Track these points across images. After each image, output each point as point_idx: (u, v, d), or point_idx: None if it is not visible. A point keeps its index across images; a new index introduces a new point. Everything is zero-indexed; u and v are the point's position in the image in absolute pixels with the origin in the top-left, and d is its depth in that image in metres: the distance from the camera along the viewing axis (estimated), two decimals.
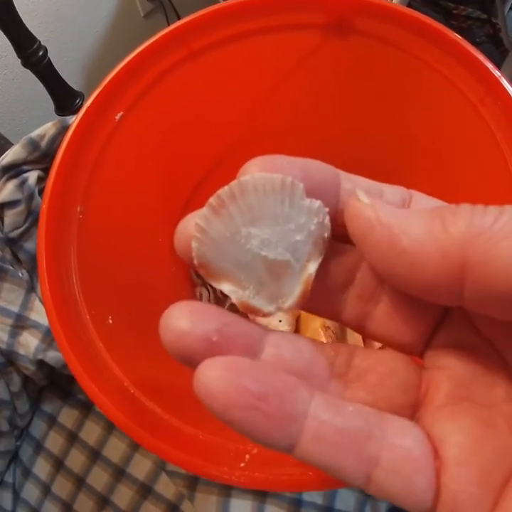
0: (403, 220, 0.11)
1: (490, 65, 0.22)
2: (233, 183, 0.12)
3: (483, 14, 0.86)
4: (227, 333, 0.11)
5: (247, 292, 0.13)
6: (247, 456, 0.17)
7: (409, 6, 0.66)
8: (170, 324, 0.11)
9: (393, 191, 0.14)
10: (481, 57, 0.22)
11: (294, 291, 0.13)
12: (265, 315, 0.13)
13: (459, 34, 0.23)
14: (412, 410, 0.12)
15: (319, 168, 0.13)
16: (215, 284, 0.13)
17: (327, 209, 0.13)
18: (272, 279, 0.13)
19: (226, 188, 0.12)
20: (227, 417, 0.10)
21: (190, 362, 0.12)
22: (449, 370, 0.12)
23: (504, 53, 0.78)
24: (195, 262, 0.12)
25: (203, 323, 0.11)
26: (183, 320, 0.11)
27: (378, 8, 0.24)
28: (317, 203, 0.12)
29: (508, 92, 0.21)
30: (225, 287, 0.13)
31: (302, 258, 0.12)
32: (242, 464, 0.17)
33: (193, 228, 0.12)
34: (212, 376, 0.10)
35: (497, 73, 0.21)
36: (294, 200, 0.12)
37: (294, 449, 0.11)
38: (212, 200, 0.12)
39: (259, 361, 0.12)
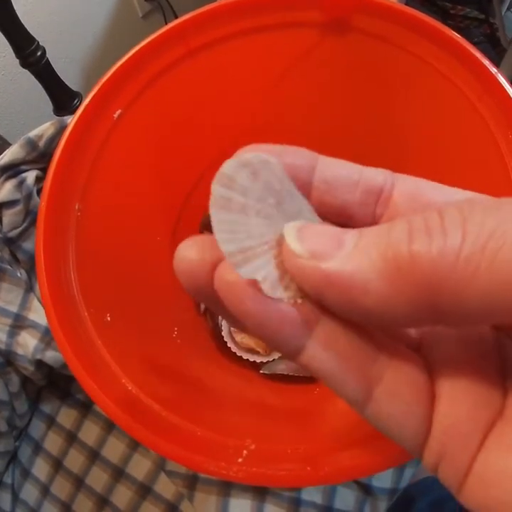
0: (354, 265, 0.10)
1: (487, 63, 0.22)
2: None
3: (481, 14, 0.86)
4: None
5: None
6: (245, 452, 0.18)
7: (406, 6, 0.66)
8: (183, 255, 0.12)
9: (376, 173, 0.13)
10: (479, 55, 0.22)
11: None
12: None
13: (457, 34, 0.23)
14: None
15: (295, 152, 0.13)
16: None
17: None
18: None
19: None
20: (242, 308, 0.11)
21: (201, 293, 0.12)
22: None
23: (501, 53, 0.78)
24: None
25: (215, 253, 0.11)
26: (194, 250, 0.12)
27: (376, 6, 0.24)
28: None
29: (505, 89, 0.21)
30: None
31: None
32: (239, 460, 0.17)
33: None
34: (230, 275, 0.11)
35: (494, 70, 0.21)
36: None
37: (302, 351, 0.11)
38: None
39: None
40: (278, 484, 0.16)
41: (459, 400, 0.10)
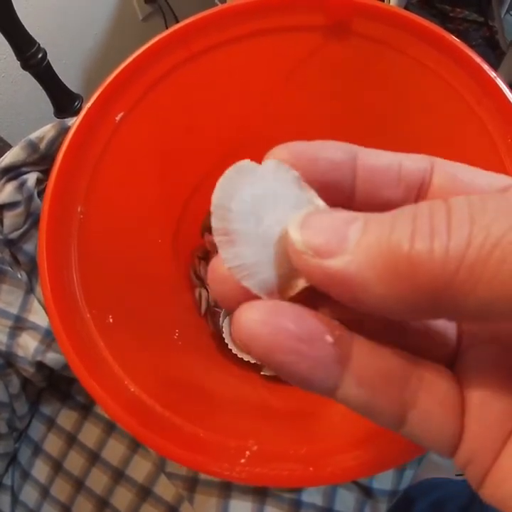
0: (354, 265, 0.10)
1: (486, 67, 0.22)
2: (216, 214, 0.12)
3: (480, 17, 0.86)
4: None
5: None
6: (248, 453, 0.18)
7: (406, 9, 0.67)
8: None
9: (415, 162, 0.13)
10: (478, 59, 0.22)
11: None
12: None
13: (456, 37, 0.23)
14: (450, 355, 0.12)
15: (333, 146, 0.12)
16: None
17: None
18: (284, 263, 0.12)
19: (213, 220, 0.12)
20: (270, 359, 0.10)
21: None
22: None
23: (501, 56, 0.78)
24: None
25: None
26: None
27: (376, 11, 0.24)
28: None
29: (504, 93, 0.21)
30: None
31: None
32: (242, 460, 0.17)
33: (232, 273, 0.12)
34: (254, 319, 0.10)
35: (493, 74, 0.22)
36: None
37: (336, 392, 0.11)
38: (217, 238, 0.12)
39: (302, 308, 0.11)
40: (281, 484, 0.16)
41: (487, 410, 0.10)
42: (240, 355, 0.34)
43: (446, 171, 0.13)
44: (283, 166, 0.12)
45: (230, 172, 0.12)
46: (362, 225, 0.10)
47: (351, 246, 0.10)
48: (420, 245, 0.09)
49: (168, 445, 0.18)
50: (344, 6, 0.24)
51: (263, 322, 0.10)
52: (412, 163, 0.13)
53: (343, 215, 0.11)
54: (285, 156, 0.12)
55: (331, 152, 0.12)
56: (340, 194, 0.13)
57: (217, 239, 0.12)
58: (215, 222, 0.12)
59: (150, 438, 0.18)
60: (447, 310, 0.09)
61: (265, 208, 0.12)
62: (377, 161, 0.13)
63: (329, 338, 0.10)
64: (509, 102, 0.21)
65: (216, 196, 0.12)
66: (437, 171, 0.13)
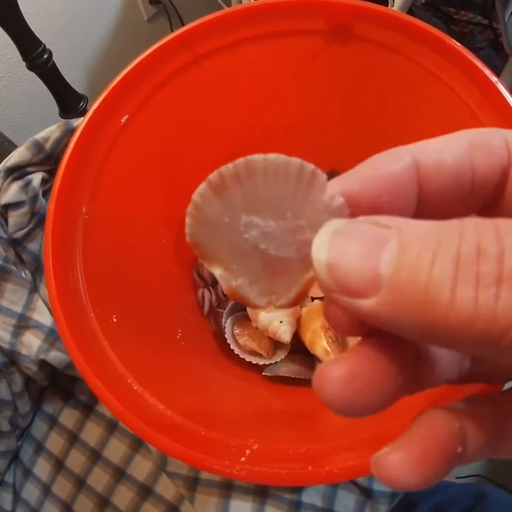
0: (388, 308, 0.09)
1: (487, 71, 0.22)
2: (239, 162, 0.10)
3: (484, 19, 0.86)
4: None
5: (240, 281, 0.11)
6: (248, 451, 0.18)
7: (410, 11, 0.67)
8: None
9: (489, 153, 0.11)
10: (479, 64, 0.22)
11: (290, 291, 0.11)
12: (254, 306, 0.12)
13: (460, 39, 0.23)
14: None
15: (387, 158, 0.11)
16: (207, 266, 0.12)
17: (349, 210, 0.11)
18: (269, 274, 0.11)
19: (230, 165, 0.10)
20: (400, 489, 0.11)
21: None
22: None
23: (505, 58, 0.78)
24: (188, 239, 0.11)
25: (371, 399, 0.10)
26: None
27: (378, 15, 0.24)
28: (338, 201, 0.10)
29: (505, 98, 0.21)
30: (216, 271, 0.12)
31: (309, 258, 0.10)
32: (242, 459, 0.18)
33: (190, 204, 0.11)
34: (404, 472, 0.11)
35: (494, 79, 0.22)
36: (309, 194, 0.10)
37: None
38: (212, 177, 0.11)
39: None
40: (280, 483, 0.17)
41: None
42: (241, 356, 0.34)
43: None
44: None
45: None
46: (395, 251, 0.09)
47: (384, 286, 0.09)
48: (462, 295, 0.08)
49: (169, 443, 0.18)
50: (346, 10, 0.24)
51: (418, 476, 0.10)
52: (486, 162, 0.11)
53: (372, 232, 0.09)
54: (354, 186, 0.11)
55: (389, 165, 0.11)
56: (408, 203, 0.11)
57: None
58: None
59: (152, 436, 0.18)
60: (484, 354, 0.09)
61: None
62: (443, 167, 0.11)
63: (459, 449, 0.11)
64: (509, 106, 0.21)
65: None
66: None
